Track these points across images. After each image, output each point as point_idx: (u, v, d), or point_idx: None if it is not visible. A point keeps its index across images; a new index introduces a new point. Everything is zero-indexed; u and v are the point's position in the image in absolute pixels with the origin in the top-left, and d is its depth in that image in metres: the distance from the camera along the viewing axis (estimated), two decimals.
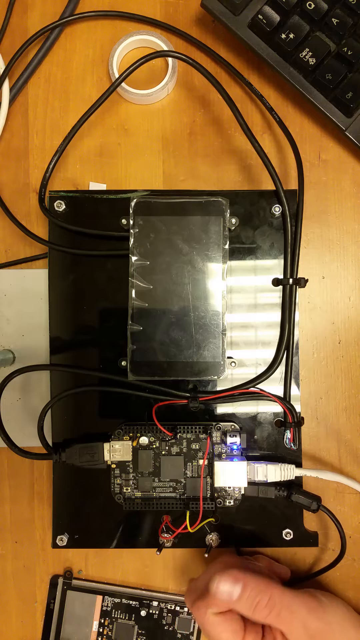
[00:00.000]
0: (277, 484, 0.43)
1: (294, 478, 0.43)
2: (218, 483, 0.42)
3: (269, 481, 0.42)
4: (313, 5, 0.43)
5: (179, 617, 0.46)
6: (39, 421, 0.42)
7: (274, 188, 0.43)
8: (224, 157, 0.47)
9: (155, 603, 0.46)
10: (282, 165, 0.47)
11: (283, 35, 0.43)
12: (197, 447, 0.43)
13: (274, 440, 0.44)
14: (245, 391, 0.43)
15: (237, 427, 0.44)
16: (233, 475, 0.42)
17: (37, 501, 0.47)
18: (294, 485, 0.43)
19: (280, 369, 0.44)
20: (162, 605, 0.46)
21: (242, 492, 0.43)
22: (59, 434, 0.45)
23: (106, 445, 0.43)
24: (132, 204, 0.43)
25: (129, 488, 0.43)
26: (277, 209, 0.44)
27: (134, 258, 0.42)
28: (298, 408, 0.44)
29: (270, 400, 0.43)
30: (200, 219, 0.42)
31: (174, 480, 0.43)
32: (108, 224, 0.44)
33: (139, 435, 0.43)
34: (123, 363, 0.44)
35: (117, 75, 0.46)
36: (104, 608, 0.46)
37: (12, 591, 0.47)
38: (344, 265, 0.47)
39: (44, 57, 0.47)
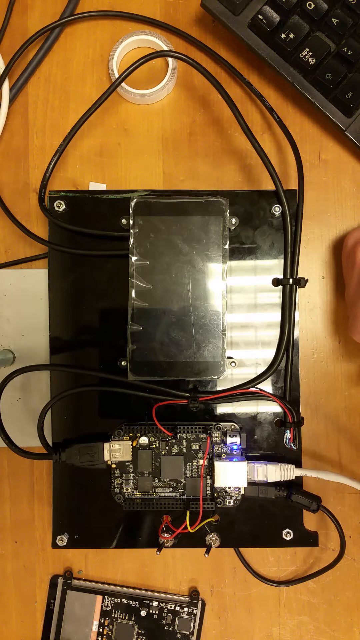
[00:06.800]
0: (277, 484, 0.43)
1: (293, 478, 0.43)
2: (218, 483, 0.42)
3: (269, 481, 0.42)
4: (313, 5, 0.43)
5: (179, 617, 0.45)
6: (39, 421, 0.42)
7: (274, 188, 0.43)
8: (224, 157, 0.47)
9: (155, 603, 0.46)
10: (282, 165, 0.47)
11: (283, 35, 0.43)
12: (197, 447, 0.43)
13: (274, 440, 0.44)
14: (245, 391, 0.43)
15: (237, 427, 0.44)
16: (233, 475, 0.42)
17: (37, 501, 0.47)
18: (294, 485, 0.43)
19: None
20: (162, 605, 0.46)
21: (242, 492, 0.43)
22: (59, 434, 0.45)
23: (106, 445, 0.43)
24: (132, 204, 0.43)
25: (129, 488, 0.43)
26: (277, 209, 0.44)
27: (134, 258, 0.42)
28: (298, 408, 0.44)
29: (270, 400, 0.43)
30: (200, 219, 0.42)
31: (174, 480, 0.43)
32: (108, 224, 0.44)
33: (139, 435, 0.43)
34: (123, 363, 0.44)
35: (117, 75, 0.46)
36: (104, 608, 0.46)
37: (12, 591, 0.47)
38: None
39: (44, 57, 0.47)
